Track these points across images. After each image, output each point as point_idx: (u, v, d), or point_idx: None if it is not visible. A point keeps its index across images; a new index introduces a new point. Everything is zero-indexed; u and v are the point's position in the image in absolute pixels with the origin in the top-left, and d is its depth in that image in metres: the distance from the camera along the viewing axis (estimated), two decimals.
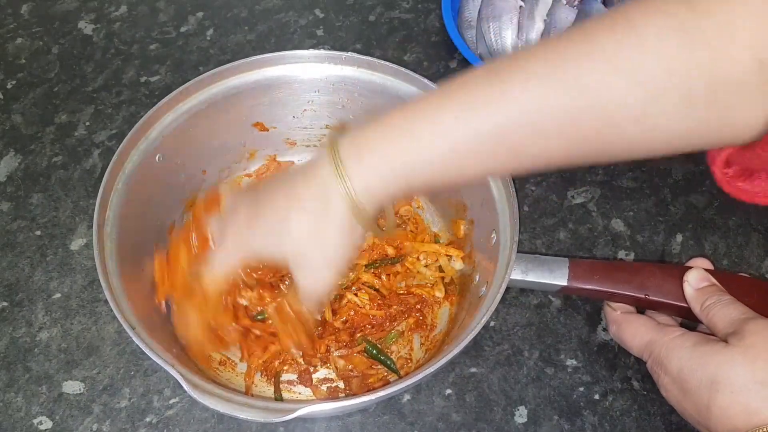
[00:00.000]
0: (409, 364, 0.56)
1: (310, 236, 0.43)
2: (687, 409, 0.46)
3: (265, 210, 0.44)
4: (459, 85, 0.40)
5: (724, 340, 0.45)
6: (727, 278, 0.51)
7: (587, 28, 0.38)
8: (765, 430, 0.41)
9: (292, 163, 0.67)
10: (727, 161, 0.62)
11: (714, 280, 0.50)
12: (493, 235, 0.53)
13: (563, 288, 0.53)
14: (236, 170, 0.65)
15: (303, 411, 0.41)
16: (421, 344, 0.57)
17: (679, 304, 0.51)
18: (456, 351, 0.44)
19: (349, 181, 0.40)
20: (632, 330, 0.51)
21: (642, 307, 0.55)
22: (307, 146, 0.66)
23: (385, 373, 0.55)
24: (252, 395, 0.54)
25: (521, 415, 0.54)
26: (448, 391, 0.56)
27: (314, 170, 0.42)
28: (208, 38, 0.78)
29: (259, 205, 0.45)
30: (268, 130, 0.63)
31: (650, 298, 0.52)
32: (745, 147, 0.39)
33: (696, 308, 0.49)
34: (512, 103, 0.38)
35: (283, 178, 0.45)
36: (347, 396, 0.54)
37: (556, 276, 0.53)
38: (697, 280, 0.50)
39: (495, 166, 0.41)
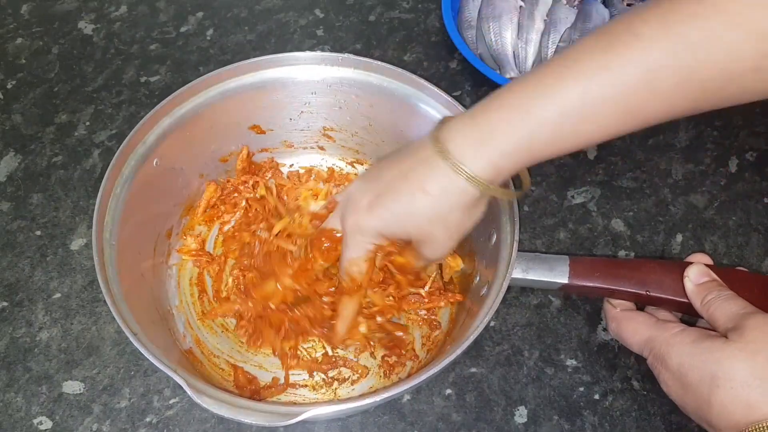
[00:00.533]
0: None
1: (436, 219, 0.45)
2: (688, 405, 0.47)
3: (387, 196, 0.45)
4: (572, 56, 0.40)
5: (725, 335, 0.45)
6: (726, 273, 0.51)
7: None
8: (765, 425, 0.41)
9: (291, 166, 0.67)
10: None
11: (714, 276, 0.50)
12: (494, 235, 0.53)
13: (564, 286, 0.53)
14: (233, 174, 0.65)
15: (308, 414, 0.41)
16: (422, 345, 0.57)
17: (679, 299, 0.51)
18: (459, 351, 0.44)
19: (467, 168, 0.42)
20: (632, 327, 0.51)
21: (643, 303, 0.55)
22: (305, 148, 0.66)
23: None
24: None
25: (521, 415, 0.54)
26: (448, 391, 0.56)
27: (431, 159, 0.43)
28: (208, 38, 0.78)
29: (380, 191, 0.46)
30: (265, 133, 0.63)
31: (651, 294, 0.52)
32: None
33: (696, 303, 0.49)
34: (629, 66, 0.38)
35: (398, 162, 0.46)
36: (350, 399, 0.54)
37: (556, 274, 0.53)
38: (697, 275, 0.50)
39: (614, 129, 0.41)
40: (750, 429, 0.41)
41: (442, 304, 0.57)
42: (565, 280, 0.53)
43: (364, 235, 0.47)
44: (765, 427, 0.41)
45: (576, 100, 0.39)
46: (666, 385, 0.48)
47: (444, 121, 0.44)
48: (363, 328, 0.53)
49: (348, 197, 0.49)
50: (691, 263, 0.51)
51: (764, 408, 0.41)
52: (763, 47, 0.37)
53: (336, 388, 0.55)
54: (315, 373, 0.56)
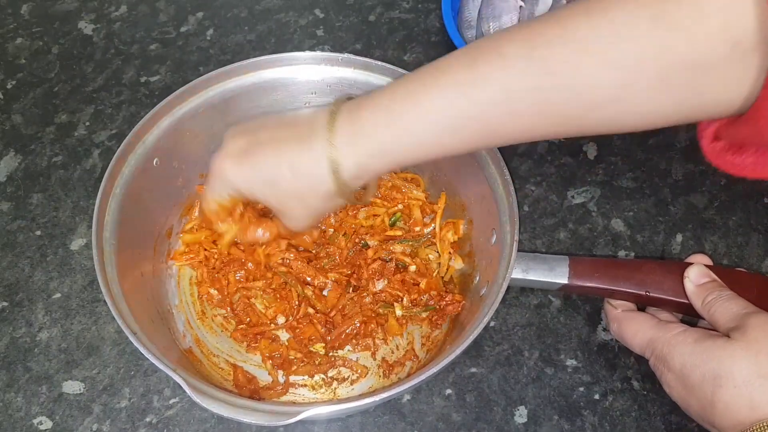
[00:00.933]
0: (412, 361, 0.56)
1: (295, 197, 0.47)
2: (691, 406, 0.46)
3: (257, 155, 0.46)
4: (442, 67, 0.42)
5: (726, 335, 0.45)
6: (726, 273, 0.51)
7: (562, 12, 0.39)
8: None
9: None
10: (716, 135, 0.61)
11: (714, 276, 0.50)
12: (494, 234, 0.53)
13: (564, 286, 0.53)
14: None
15: (307, 414, 0.41)
16: (422, 345, 0.57)
17: (680, 300, 0.51)
18: (459, 351, 0.44)
19: (339, 161, 0.43)
20: (633, 328, 0.51)
21: (643, 304, 0.55)
22: None
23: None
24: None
25: (521, 415, 0.54)
26: (448, 391, 0.56)
27: (309, 140, 0.44)
28: (208, 38, 0.78)
29: (253, 146, 0.46)
30: None
31: (651, 295, 0.52)
32: (734, 121, 0.40)
33: (697, 304, 0.49)
34: (488, 85, 0.39)
35: (280, 127, 0.47)
36: (350, 399, 0.54)
37: (556, 274, 0.53)
38: (697, 276, 0.50)
39: (476, 143, 0.43)
40: (754, 428, 0.41)
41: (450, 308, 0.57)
42: (565, 281, 0.53)
43: (224, 183, 0.48)
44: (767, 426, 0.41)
45: (438, 113, 0.41)
46: (669, 387, 0.48)
47: (339, 105, 0.45)
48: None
49: (230, 134, 0.49)
50: (691, 264, 0.51)
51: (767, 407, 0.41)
52: (619, 77, 0.37)
53: (335, 388, 0.55)
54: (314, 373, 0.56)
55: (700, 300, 0.49)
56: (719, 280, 0.50)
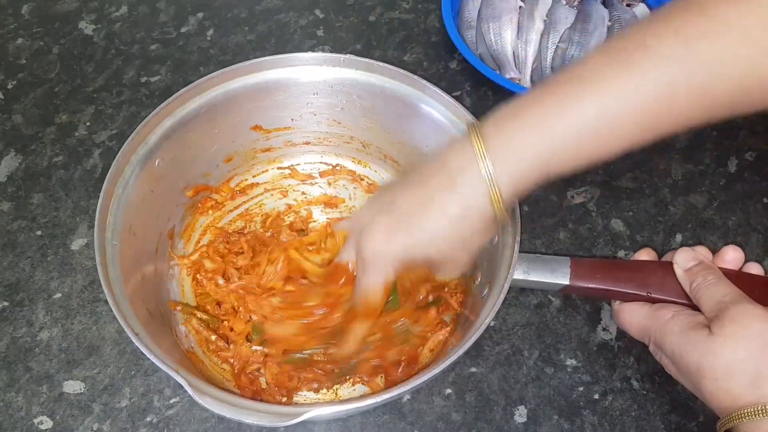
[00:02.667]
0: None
1: (457, 242, 0.45)
2: (686, 386, 0.49)
3: (409, 220, 0.45)
4: (587, 70, 0.41)
5: (709, 324, 0.46)
6: (726, 274, 0.51)
7: (699, 2, 0.39)
8: (749, 410, 0.42)
9: (291, 167, 0.67)
10: None
11: (702, 259, 0.51)
12: (495, 236, 0.53)
13: (565, 287, 0.53)
14: (235, 174, 0.65)
15: (309, 415, 0.41)
16: (430, 348, 0.57)
17: (681, 301, 0.51)
18: (460, 352, 0.44)
19: (497, 179, 0.41)
20: (629, 318, 0.53)
21: None
22: (306, 143, 0.66)
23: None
24: None
25: (521, 415, 0.55)
26: (448, 390, 0.56)
27: (452, 180, 0.43)
28: (209, 38, 0.78)
29: (398, 217, 0.45)
30: (267, 133, 0.63)
31: (652, 296, 0.52)
32: None
33: (687, 289, 0.50)
34: (645, 84, 0.39)
35: (413, 180, 0.46)
36: (352, 399, 0.54)
37: (557, 275, 0.53)
38: (684, 260, 0.51)
39: (632, 142, 0.42)
40: (734, 415, 0.43)
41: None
42: (566, 282, 0.53)
43: (384, 262, 0.47)
44: (747, 413, 0.42)
45: (594, 117, 0.40)
46: (667, 368, 0.50)
47: (477, 127, 0.43)
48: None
49: (362, 226, 0.48)
50: (680, 248, 0.52)
51: (748, 397, 0.43)
52: None
53: (337, 389, 0.55)
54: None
55: (688, 285, 0.50)
56: (707, 262, 0.51)
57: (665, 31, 0.39)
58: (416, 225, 0.45)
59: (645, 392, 0.55)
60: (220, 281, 0.58)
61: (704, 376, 0.45)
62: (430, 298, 0.55)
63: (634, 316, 0.52)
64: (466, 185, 0.42)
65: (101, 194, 0.51)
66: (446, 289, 0.57)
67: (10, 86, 0.74)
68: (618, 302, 0.54)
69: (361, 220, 0.49)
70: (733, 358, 0.43)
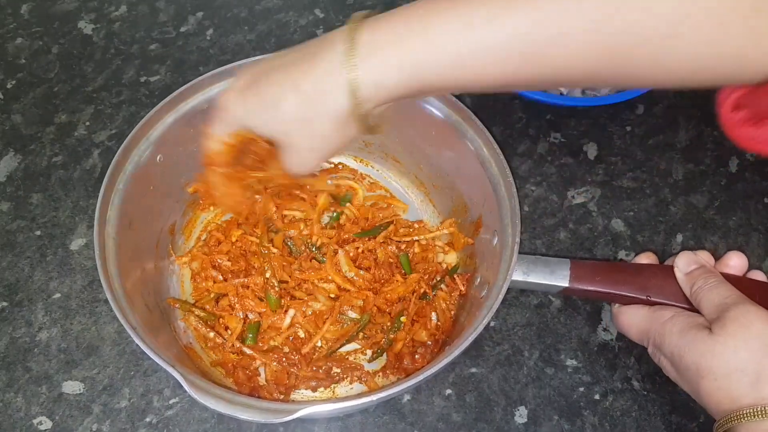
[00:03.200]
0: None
1: (299, 121, 0.42)
2: (685, 388, 0.48)
3: (261, 83, 0.43)
4: None
5: (710, 325, 0.46)
6: (727, 279, 0.51)
7: None
8: (748, 411, 0.42)
9: None
10: (736, 104, 0.59)
11: (702, 262, 0.51)
12: (495, 236, 0.53)
13: (564, 289, 0.53)
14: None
15: (303, 412, 0.41)
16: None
17: (680, 305, 0.51)
18: (457, 352, 0.44)
19: (358, 71, 0.38)
20: (628, 320, 0.52)
21: None
22: None
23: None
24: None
25: (521, 415, 0.54)
26: (448, 391, 0.56)
27: (323, 52, 0.40)
28: (208, 38, 0.78)
29: (259, 76, 0.43)
30: None
31: (652, 299, 0.51)
32: (759, 89, 0.39)
33: (687, 292, 0.50)
34: (532, 13, 0.36)
35: (291, 53, 0.43)
36: (347, 398, 0.54)
37: (557, 277, 0.53)
38: (685, 263, 0.51)
39: (512, 76, 0.39)
40: (733, 416, 0.43)
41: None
42: (565, 284, 0.52)
43: (228, 116, 0.45)
44: (746, 414, 0.42)
45: (482, 31, 0.37)
46: (666, 370, 0.50)
47: (359, 17, 0.42)
48: None
49: (238, 72, 0.46)
50: (680, 252, 0.52)
51: (747, 398, 0.43)
52: (678, 10, 0.35)
53: (334, 387, 0.55)
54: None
55: (689, 289, 0.50)
56: (707, 266, 0.51)
57: None
58: (266, 86, 0.42)
59: (645, 393, 0.55)
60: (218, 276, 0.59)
61: (703, 376, 0.44)
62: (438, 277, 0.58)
63: (633, 318, 0.51)
64: (323, 66, 0.40)
65: (102, 188, 0.51)
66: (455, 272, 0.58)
67: (9, 86, 0.74)
68: (617, 305, 0.54)
69: (240, 69, 0.47)
70: (733, 358, 0.43)
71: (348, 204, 0.63)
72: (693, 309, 0.50)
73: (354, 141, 0.43)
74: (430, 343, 0.56)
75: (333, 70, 0.39)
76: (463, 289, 0.58)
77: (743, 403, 0.42)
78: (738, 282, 0.50)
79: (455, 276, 0.59)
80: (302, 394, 0.55)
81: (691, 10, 0.35)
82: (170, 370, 0.43)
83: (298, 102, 0.41)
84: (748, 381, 0.43)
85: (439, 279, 0.59)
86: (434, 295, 0.58)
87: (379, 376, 0.56)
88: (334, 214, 0.62)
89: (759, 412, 0.41)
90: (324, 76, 0.40)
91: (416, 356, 0.55)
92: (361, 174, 0.66)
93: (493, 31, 0.37)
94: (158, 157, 0.56)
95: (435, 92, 0.40)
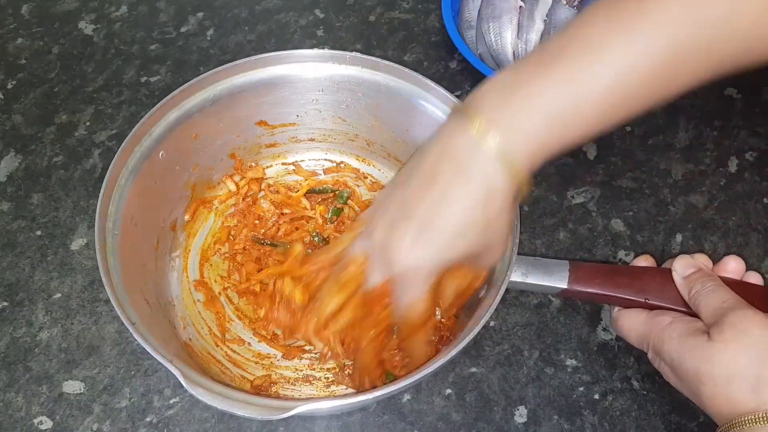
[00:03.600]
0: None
1: (484, 230, 0.42)
2: (685, 393, 0.48)
3: (429, 225, 0.42)
4: (590, 32, 0.39)
5: (708, 330, 0.46)
6: (726, 283, 0.50)
7: None
8: (749, 417, 0.42)
9: (296, 163, 0.67)
10: None
11: (700, 266, 0.51)
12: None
13: (563, 291, 0.53)
14: (239, 169, 0.65)
15: (301, 409, 0.42)
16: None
17: (679, 308, 0.51)
18: (455, 351, 0.44)
19: (510, 149, 0.39)
20: (627, 324, 0.52)
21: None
22: (311, 140, 0.66)
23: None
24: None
25: (521, 415, 0.55)
26: (448, 391, 0.56)
27: (456, 160, 0.40)
28: (209, 38, 0.78)
29: (418, 223, 0.42)
30: (272, 129, 0.64)
31: (650, 302, 0.51)
32: None
33: (685, 296, 0.50)
34: (653, 49, 0.38)
35: (420, 177, 0.43)
36: (346, 395, 0.54)
37: (556, 279, 0.53)
38: (683, 267, 0.51)
39: (642, 106, 0.41)
40: (734, 422, 0.43)
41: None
42: (564, 285, 0.53)
43: (420, 275, 0.43)
44: (747, 420, 0.42)
45: (606, 84, 0.38)
46: (666, 375, 0.50)
47: (456, 123, 0.41)
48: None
49: (381, 245, 0.44)
50: (678, 256, 0.52)
51: (748, 404, 0.42)
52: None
53: (333, 389, 0.55)
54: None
55: (687, 292, 0.50)
56: (706, 269, 0.51)
57: None
58: (439, 227, 0.42)
59: (645, 392, 0.55)
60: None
61: (703, 382, 0.44)
62: None
63: (632, 323, 0.51)
64: (476, 170, 0.40)
65: (104, 184, 0.51)
66: None
67: (9, 86, 0.74)
68: (617, 309, 0.54)
69: (374, 237, 0.45)
70: (733, 363, 0.43)
71: (349, 201, 0.64)
72: (692, 313, 0.50)
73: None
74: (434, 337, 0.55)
75: (485, 169, 0.39)
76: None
77: (744, 409, 0.42)
78: (736, 285, 0.50)
79: None
80: (300, 391, 0.55)
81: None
82: (168, 365, 0.43)
83: (474, 217, 0.41)
84: (748, 386, 0.42)
85: None
86: None
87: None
88: (335, 207, 0.63)
89: (761, 418, 0.41)
90: (482, 179, 0.40)
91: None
92: (363, 173, 0.66)
93: (619, 74, 0.38)
94: (161, 154, 0.56)
95: (583, 136, 0.40)
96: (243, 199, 0.64)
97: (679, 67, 0.39)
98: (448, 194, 0.41)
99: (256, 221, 0.63)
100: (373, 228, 0.45)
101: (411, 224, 0.42)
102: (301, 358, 0.56)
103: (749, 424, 0.41)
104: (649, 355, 0.51)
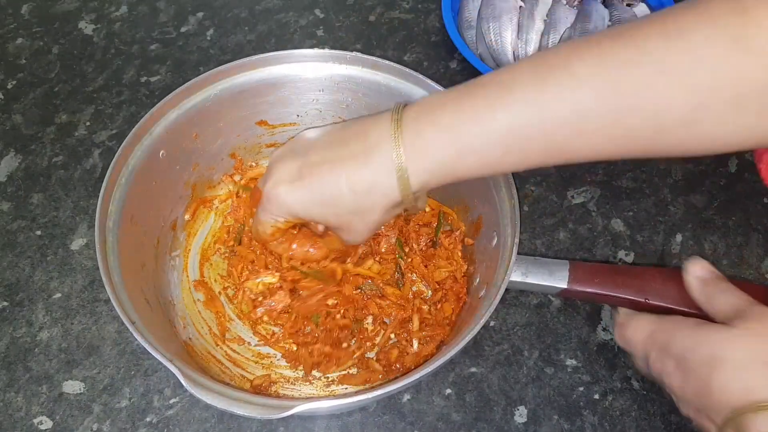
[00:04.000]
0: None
1: (356, 213, 0.46)
2: (687, 394, 0.46)
3: (313, 177, 0.46)
4: (507, 82, 0.41)
5: (725, 323, 0.45)
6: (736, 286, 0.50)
7: (634, 30, 0.38)
8: (762, 405, 0.40)
9: None
10: None
11: (714, 269, 0.50)
12: (494, 236, 0.53)
13: (563, 291, 0.53)
14: (240, 168, 0.65)
15: (300, 408, 0.42)
16: (420, 344, 0.57)
17: (679, 308, 0.51)
18: (455, 351, 0.44)
19: (407, 174, 0.43)
20: (633, 326, 0.50)
21: (642, 311, 0.54)
22: None
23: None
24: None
25: (521, 415, 0.55)
26: (448, 390, 0.56)
27: (369, 155, 0.44)
28: (208, 38, 0.78)
29: (307, 168, 0.46)
30: (272, 128, 0.64)
31: (650, 302, 0.51)
32: None
33: (697, 295, 0.49)
34: (558, 105, 0.39)
35: (332, 146, 0.46)
36: (346, 395, 0.54)
37: (556, 278, 0.53)
38: (697, 268, 0.50)
39: (540, 160, 0.42)
40: (746, 409, 0.41)
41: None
42: (564, 285, 0.53)
43: (279, 207, 0.48)
44: (764, 407, 0.40)
45: (503, 132, 0.40)
46: (669, 377, 0.47)
47: (400, 115, 0.45)
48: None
49: (276, 159, 0.49)
50: (694, 257, 0.51)
51: (763, 392, 0.41)
52: (694, 100, 0.37)
53: (333, 390, 0.55)
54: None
55: (699, 291, 0.49)
56: (719, 272, 0.50)
57: (589, 54, 0.39)
58: (319, 183, 0.46)
59: (645, 392, 0.55)
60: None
61: (718, 366, 0.42)
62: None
63: (640, 324, 0.50)
64: (376, 162, 0.43)
65: (104, 183, 0.51)
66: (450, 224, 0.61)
67: (9, 86, 0.74)
68: (622, 315, 0.52)
69: (279, 153, 0.50)
70: (754, 348, 0.42)
71: None
72: (694, 314, 0.49)
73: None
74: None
75: (387, 169, 0.43)
76: (461, 228, 0.60)
77: (759, 395, 0.40)
78: (737, 285, 0.50)
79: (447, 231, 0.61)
80: (300, 391, 0.55)
81: (707, 102, 0.37)
82: (168, 364, 0.43)
83: (353, 199, 0.45)
84: (766, 373, 0.41)
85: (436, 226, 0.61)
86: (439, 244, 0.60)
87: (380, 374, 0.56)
88: None
89: None
90: (378, 174, 0.44)
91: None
92: None
93: (526, 126, 0.40)
94: (161, 153, 0.56)
95: (473, 175, 0.44)
96: (236, 196, 0.64)
97: (581, 131, 0.39)
98: (343, 164, 0.45)
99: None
100: (285, 145, 0.51)
101: (299, 163, 0.47)
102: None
103: (764, 410, 0.40)
104: (652, 356, 0.49)
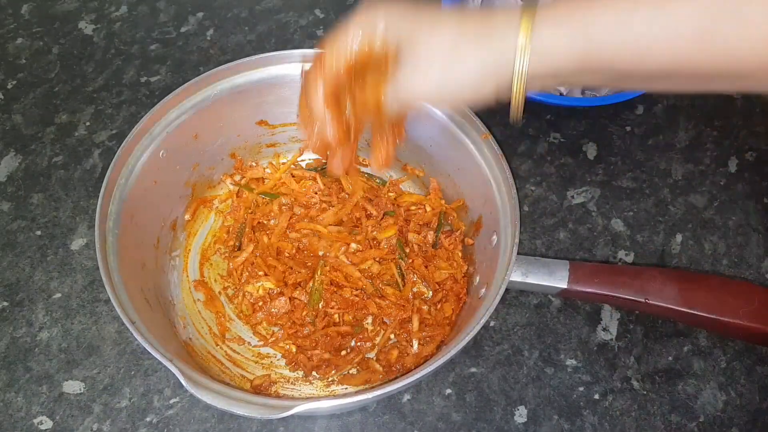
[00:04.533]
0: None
1: (448, 50, 0.40)
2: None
3: (424, 10, 0.42)
4: None
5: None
6: (726, 283, 0.51)
7: None
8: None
9: (296, 163, 0.67)
10: None
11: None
12: (494, 236, 0.53)
13: (563, 290, 0.53)
14: (240, 168, 0.65)
15: (300, 408, 0.42)
16: (420, 344, 0.57)
17: (679, 309, 0.51)
18: (455, 351, 0.44)
19: (531, 34, 0.38)
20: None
21: (641, 311, 0.55)
22: None
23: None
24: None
25: (521, 415, 0.55)
26: (448, 390, 0.56)
27: (500, 16, 0.39)
28: (209, 38, 0.78)
29: (421, 12, 0.42)
30: (272, 128, 0.64)
31: (650, 302, 0.51)
32: None
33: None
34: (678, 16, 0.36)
35: (459, 16, 0.41)
36: (346, 395, 0.54)
37: (556, 278, 0.53)
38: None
39: (684, 57, 0.38)
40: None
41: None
42: (564, 285, 0.53)
43: (369, 18, 0.46)
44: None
45: (641, 33, 0.36)
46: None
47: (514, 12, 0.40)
48: None
49: (396, 28, 0.44)
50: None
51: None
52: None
53: (333, 390, 0.55)
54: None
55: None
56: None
57: None
58: (428, 17, 0.41)
59: (645, 392, 0.55)
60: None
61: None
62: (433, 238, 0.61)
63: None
64: (500, 23, 0.39)
65: (104, 183, 0.51)
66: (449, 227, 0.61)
67: (10, 86, 0.74)
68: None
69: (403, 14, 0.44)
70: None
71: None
72: (691, 318, 0.50)
73: (477, 104, 0.42)
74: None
75: (508, 29, 0.38)
76: (462, 228, 0.60)
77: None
78: (737, 285, 0.50)
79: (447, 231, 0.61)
80: (300, 391, 0.55)
81: None
82: (168, 364, 0.43)
83: (456, 34, 0.40)
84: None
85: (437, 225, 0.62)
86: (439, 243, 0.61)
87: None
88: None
89: None
90: (495, 30, 0.39)
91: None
92: (362, 173, 0.66)
93: (672, 11, 0.36)
94: (161, 153, 0.56)
95: (599, 73, 0.39)
96: (237, 196, 0.64)
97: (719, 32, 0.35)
98: (461, 19, 0.41)
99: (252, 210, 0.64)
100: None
101: (426, 39, 0.41)
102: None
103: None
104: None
